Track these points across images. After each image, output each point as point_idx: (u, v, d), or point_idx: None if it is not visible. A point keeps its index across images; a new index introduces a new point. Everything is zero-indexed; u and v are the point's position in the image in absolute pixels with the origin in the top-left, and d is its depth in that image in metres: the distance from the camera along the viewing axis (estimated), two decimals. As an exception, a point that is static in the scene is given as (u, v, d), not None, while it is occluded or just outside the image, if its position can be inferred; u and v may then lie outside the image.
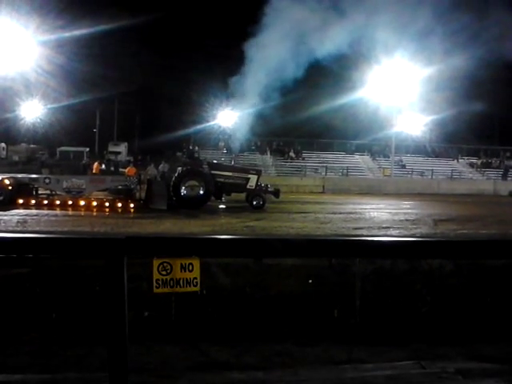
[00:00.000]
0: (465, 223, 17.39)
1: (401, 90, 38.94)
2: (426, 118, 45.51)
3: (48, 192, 20.72)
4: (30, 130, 50.74)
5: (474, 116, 43.47)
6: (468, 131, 46.24)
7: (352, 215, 19.39)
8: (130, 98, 54.75)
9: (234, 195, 22.23)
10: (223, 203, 22.07)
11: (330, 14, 29.41)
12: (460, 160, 47.22)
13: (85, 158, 44.21)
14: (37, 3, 31.66)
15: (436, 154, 48.02)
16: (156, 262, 7.66)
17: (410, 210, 21.91)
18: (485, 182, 41.59)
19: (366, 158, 46.17)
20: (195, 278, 7.97)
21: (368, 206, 23.22)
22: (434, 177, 41.02)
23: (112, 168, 39.84)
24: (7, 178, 19.77)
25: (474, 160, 47.29)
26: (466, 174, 44.08)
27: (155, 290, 7.74)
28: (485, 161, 47.08)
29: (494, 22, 30.06)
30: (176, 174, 21.46)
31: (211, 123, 44.36)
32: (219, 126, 44.57)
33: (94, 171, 28.41)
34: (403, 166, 43.95)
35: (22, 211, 17.76)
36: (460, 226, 16.44)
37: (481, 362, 6.07)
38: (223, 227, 15.50)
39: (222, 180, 21.45)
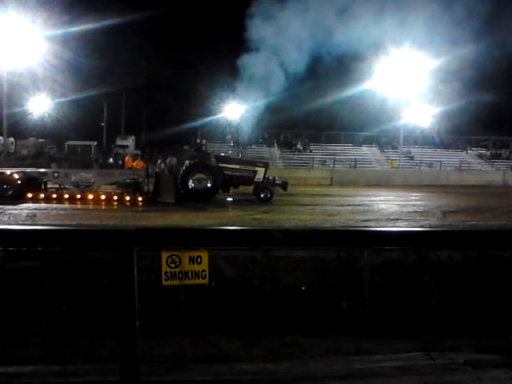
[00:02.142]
0: (474, 214, 17.31)
1: (409, 80, 38.66)
2: (435, 109, 45.19)
3: (57, 186, 20.85)
4: (38, 124, 50.93)
5: (482, 107, 43.17)
6: (477, 122, 45.92)
7: (360, 207, 19.35)
8: (137, 92, 54.77)
9: (241, 188, 22.23)
10: (231, 196, 22.09)
11: (337, 5, 29.26)
12: (469, 151, 46.92)
13: (92, 151, 44.42)
14: (43, -2, 31.72)
15: (444, 145, 47.74)
16: (165, 255, 7.73)
17: (418, 202, 21.83)
18: (494, 173, 41.30)
19: (374, 149, 45.97)
20: (204, 271, 8.00)
21: (376, 198, 23.16)
22: (442, 168, 40.78)
23: (120, 162, 39.95)
24: (16, 173, 19.90)
25: (482, 151, 46.96)
26: (474, 165, 43.78)
27: (164, 283, 7.81)
28: (494, 152, 46.73)
29: (504, 11, 29.77)
30: (184, 168, 21.50)
31: (218, 116, 44.35)
32: (226, 119, 44.54)
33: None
34: (411, 158, 43.74)
35: (31, 205, 17.89)
36: (469, 218, 16.38)
37: (490, 354, 6.06)
38: (231, 220, 15.54)
39: (229, 173, 21.46)
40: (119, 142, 49.19)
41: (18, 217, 15.29)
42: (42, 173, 21.15)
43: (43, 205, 18.21)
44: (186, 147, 37.45)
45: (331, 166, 39.59)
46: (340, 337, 7.50)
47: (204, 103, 43.84)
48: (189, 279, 6.90)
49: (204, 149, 25.46)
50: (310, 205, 19.83)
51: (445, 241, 1.67)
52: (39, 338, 7.20)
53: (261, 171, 21.70)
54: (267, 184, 21.67)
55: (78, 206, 18.65)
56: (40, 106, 49.32)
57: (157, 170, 23.89)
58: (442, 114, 45.64)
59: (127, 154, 32.81)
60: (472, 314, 8.08)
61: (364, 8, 30.49)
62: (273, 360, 6.24)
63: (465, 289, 8.83)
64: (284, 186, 22.32)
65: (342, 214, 16.95)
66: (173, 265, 6.78)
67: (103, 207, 18.63)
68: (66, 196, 19.75)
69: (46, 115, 50.18)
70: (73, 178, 20.26)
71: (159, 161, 27.54)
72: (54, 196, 19.76)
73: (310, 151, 44.40)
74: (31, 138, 49.72)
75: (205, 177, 20.75)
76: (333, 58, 31.75)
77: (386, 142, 46.78)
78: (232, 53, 32.36)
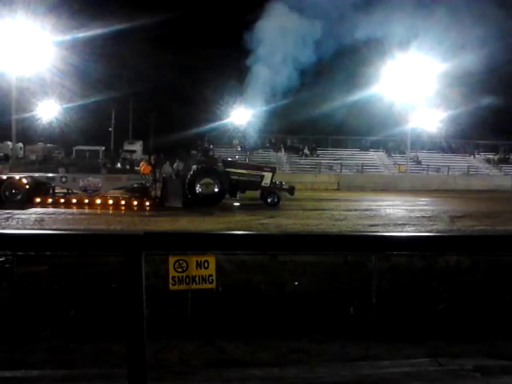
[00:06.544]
0: (482, 219, 17.18)
1: (416, 85, 38.56)
2: (442, 114, 45.02)
3: (64, 191, 20.94)
4: (47, 129, 51.24)
5: (490, 111, 42.96)
6: (485, 127, 45.69)
7: (367, 212, 19.29)
8: (145, 97, 55.03)
9: (248, 193, 22.23)
10: (238, 201, 22.09)
11: (344, 10, 29.31)
12: (476, 156, 46.67)
13: (100, 156, 44.64)
14: (52, 4, 31.96)
15: (452, 149, 47.53)
16: (172, 260, 7.70)
17: (426, 207, 21.72)
18: (502, 177, 41.05)
19: (381, 154, 45.87)
20: (211, 275, 7.98)
21: (383, 203, 23.08)
22: (450, 173, 40.60)
23: (128, 166, 40.14)
24: (24, 178, 20.00)
25: (490, 156, 46.70)
26: (482, 170, 43.55)
27: (171, 288, 7.79)
28: (502, 156, 46.45)
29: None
30: (191, 172, 21.55)
31: (225, 121, 44.47)
32: (233, 124, 44.64)
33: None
34: (419, 163, 43.59)
35: (39, 210, 17.97)
36: (477, 223, 16.27)
37: (500, 360, 6.00)
38: (238, 224, 15.53)
39: (236, 177, 21.48)
40: (127, 147, 49.49)
41: (27, 221, 15.37)
42: (50, 178, 21.25)
43: (51, 209, 18.29)
44: (193, 152, 37.55)
45: (338, 170, 39.54)
46: (348, 342, 7.45)
47: (211, 108, 44.01)
48: (196, 284, 6.90)
49: (211, 153, 25.50)
50: (317, 210, 19.79)
51: (453, 246, 1.66)
52: (46, 342, 7.21)
53: (268, 176, 21.70)
54: (274, 189, 21.66)
55: (86, 211, 18.71)
56: (48, 112, 49.63)
57: (164, 175, 23.92)
58: (449, 118, 45.47)
59: (142, 159, 32.73)
60: (481, 319, 8.01)
61: (371, 12, 30.53)
62: (280, 365, 6.21)
63: (473, 294, 8.76)
64: (291, 190, 22.29)
65: (349, 219, 16.90)
66: (180, 269, 6.77)
67: (111, 212, 18.69)
68: (74, 201, 19.82)
69: (55, 120, 50.48)
70: (81, 183, 20.34)
71: (164, 165, 27.52)
72: (62, 201, 19.84)
73: (317, 156, 44.37)
74: (39, 143, 50.07)
75: (212, 181, 20.78)
76: (340, 62, 31.78)
77: (394, 146, 46.66)
78: (239, 58, 32.43)
